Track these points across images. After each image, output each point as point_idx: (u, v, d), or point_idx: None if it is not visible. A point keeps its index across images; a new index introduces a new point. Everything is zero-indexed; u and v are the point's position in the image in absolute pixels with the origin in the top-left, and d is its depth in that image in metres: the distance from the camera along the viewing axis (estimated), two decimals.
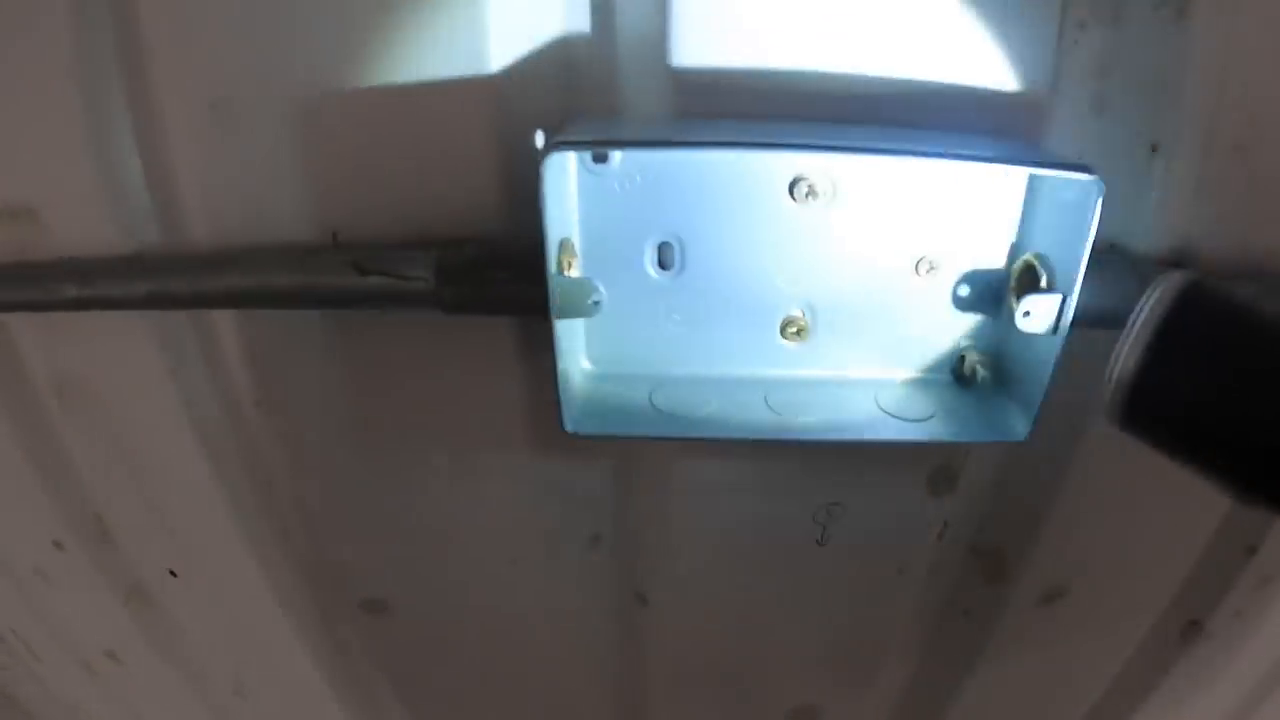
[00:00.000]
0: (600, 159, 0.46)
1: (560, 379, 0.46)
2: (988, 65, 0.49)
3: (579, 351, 0.51)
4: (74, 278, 0.56)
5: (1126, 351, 0.37)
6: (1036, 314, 0.46)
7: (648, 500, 0.63)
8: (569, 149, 0.41)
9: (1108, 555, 0.69)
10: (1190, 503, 0.70)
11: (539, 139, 0.46)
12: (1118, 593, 0.73)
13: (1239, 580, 0.75)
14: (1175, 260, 0.56)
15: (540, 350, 0.55)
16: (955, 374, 0.53)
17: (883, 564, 0.66)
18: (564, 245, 0.45)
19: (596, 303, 0.45)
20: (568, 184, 0.46)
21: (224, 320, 0.62)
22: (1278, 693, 0.92)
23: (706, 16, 0.46)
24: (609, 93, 0.48)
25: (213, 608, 0.81)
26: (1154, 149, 0.53)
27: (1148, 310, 0.37)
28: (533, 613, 0.72)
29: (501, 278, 0.46)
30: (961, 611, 0.72)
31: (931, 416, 0.51)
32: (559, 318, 0.44)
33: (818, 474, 0.60)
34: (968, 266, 0.50)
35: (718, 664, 0.75)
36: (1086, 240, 0.44)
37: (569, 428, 0.47)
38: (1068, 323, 0.46)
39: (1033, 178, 0.48)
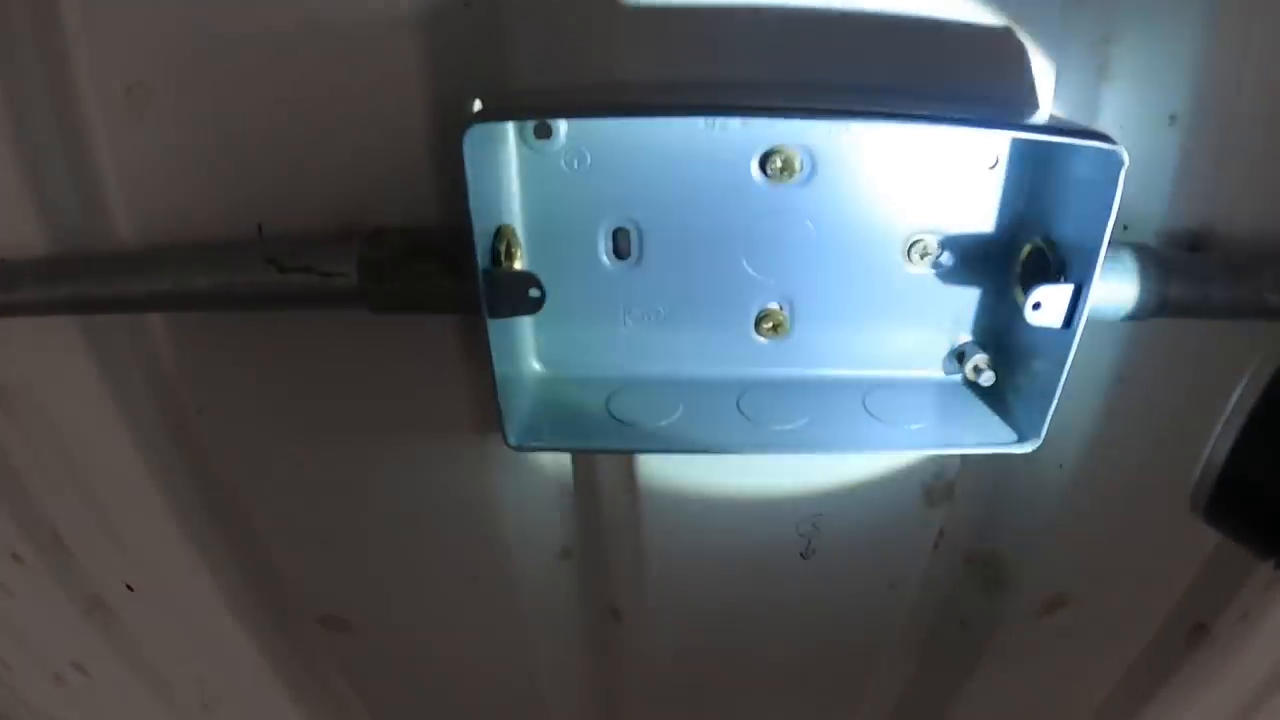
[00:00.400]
0: (543, 134, 0.37)
1: (501, 386, 0.37)
2: (987, 21, 0.41)
3: (526, 353, 0.43)
4: None
5: (1218, 436, 0.34)
6: (1048, 306, 0.39)
7: (615, 512, 0.55)
8: (499, 119, 0.33)
9: (1111, 561, 0.62)
10: None
11: (475, 106, 0.37)
12: (1122, 599, 0.66)
13: (1248, 581, 0.68)
14: (1193, 244, 0.48)
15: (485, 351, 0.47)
16: (952, 372, 0.45)
17: (873, 577, 0.58)
18: (503, 233, 0.37)
19: (536, 298, 0.37)
20: (507, 163, 0.38)
21: (157, 324, 0.54)
22: (1277, 697, 0.86)
23: None
24: (551, 43, 0.39)
25: (172, 620, 0.75)
26: (1172, 119, 0.45)
27: (1241, 393, 0.34)
28: (500, 629, 0.64)
29: (429, 271, 0.38)
30: (958, 621, 0.64)
31: (927, 422, 0.43)
32: (492, 316, 0.35)
33: (800, 484, 0.52)
34: (967, 251, 0.42)
35: (696, 682, 0.67)
36: (1107, 223, 0.36)
37: (511, 441, 0.39)
38: (1083, 316, 0.38)
39: (1042, 148, 0.39)
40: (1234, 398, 0.33)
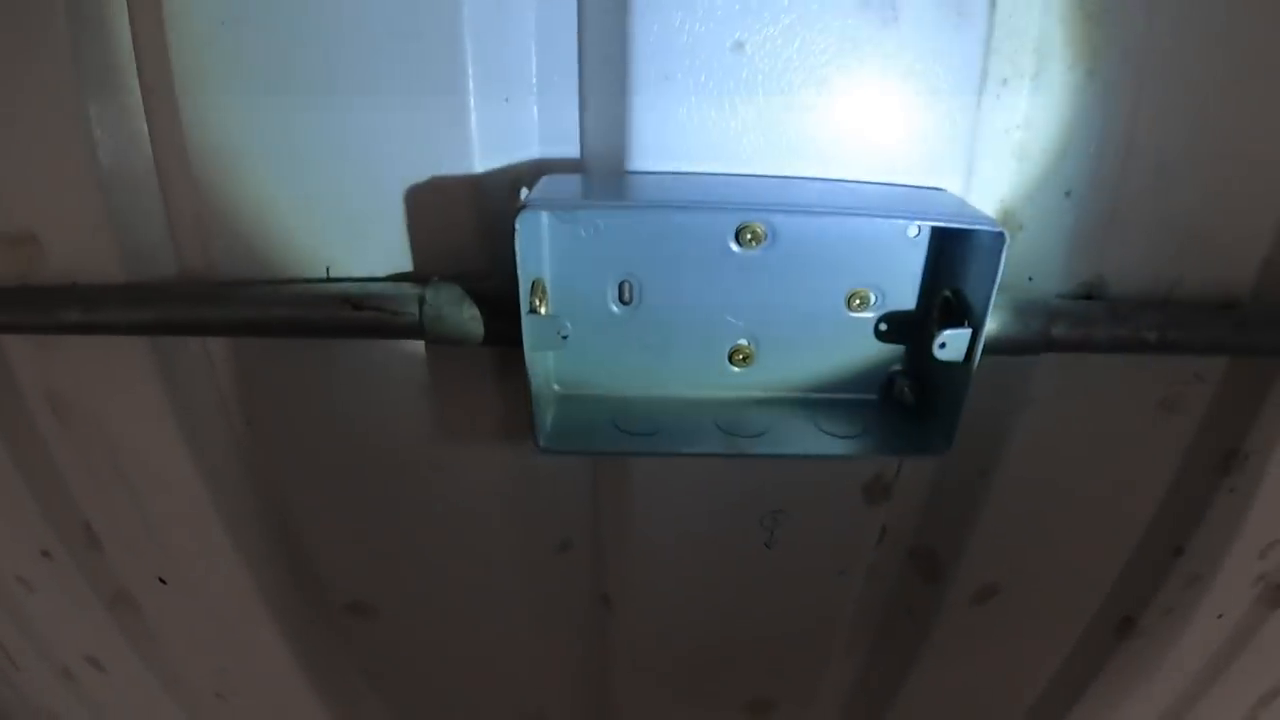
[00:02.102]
0: (567, 213, 0.55)
1: (534, 403, 0.55)
2: (915, 119, 0.58)
3: (549, 376, 0.60)
4: (78, 303, 0.63)
5: None
6: (951, 345, 0.56)
7: (614, 510, 0.73)
8: (540, 209, 0.51)
9: (1038, 555, 0.79)
10: (1117, 506, 0.80)
11: (522, 195, 0.56)
12: (1050, 591, 0.84)
13: (1168, 579, 0.86)
14: (1088, 293, 0.67)
15: (514, 372, 0.65)
16: (884, 395, 0.63)
17: (825, 566, 0.76)
18: (536, 285, 0.55)
19: (565, 337, 0.55)
20: (541, 231, 0.55)
21: (216, 342, 0.70)
22: (1212, 691, 1.04)
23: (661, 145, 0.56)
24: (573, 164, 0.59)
25: (199, 613, 0.89)
26: (1067, 194, 0.62)
27: None
28: (507, 614, 0.81)
29: (477, 314, 0.56)
30: (904, 609, 0.82)
31: (863, 434, 0.61)
32: (530, 351, 0.53)
33: (764, 484, 0.70)
34: (893, 301, 0.60)
35: (678, 660, 0.84)
36: (994, 282, 0.53)
37: (541, 445, 0.56)
38: (978, 353, 0.56)
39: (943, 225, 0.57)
40: None
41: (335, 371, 0.68)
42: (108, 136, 0.61)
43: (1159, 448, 0.77)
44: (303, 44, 0.56)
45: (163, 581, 0.88)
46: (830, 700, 0.92)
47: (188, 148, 0.61)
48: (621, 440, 0.59)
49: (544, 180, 0.54)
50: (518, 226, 0.49)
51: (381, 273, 0.62)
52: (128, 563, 0.88)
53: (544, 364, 0.59)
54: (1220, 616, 0.92)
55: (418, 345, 0.65)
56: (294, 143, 0.59)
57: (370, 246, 0.62)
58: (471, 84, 0.56)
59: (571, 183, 0.56)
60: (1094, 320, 0.64)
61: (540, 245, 0.55)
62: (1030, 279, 0.65)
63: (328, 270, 0.63)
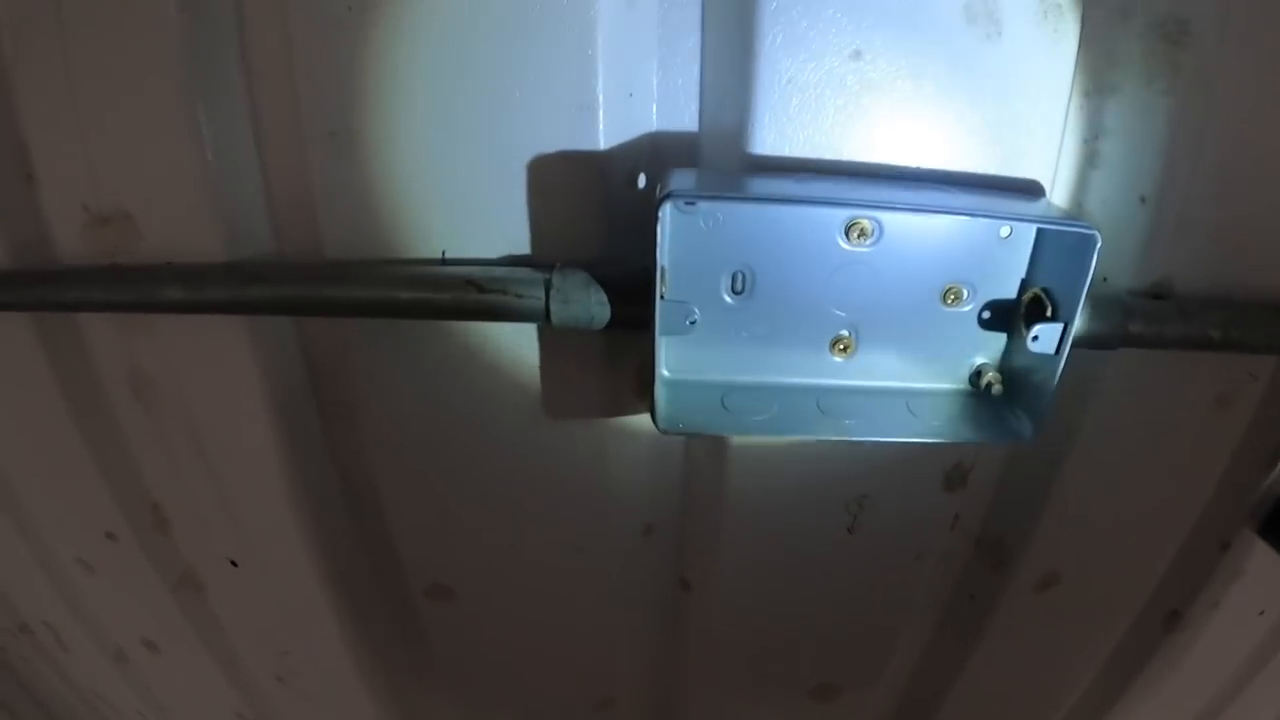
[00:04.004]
0: (690, 202, 0.60)
1: (656, 386, 0.61)
2: (1007, 125, 0.64)
3: (662, 361, 0.66)
4: (179, 281, 0.66)
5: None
6: (1043, 339, 0.62)
7: (703, 495, 0.78)
8: (679, 199, 0.56)
9: (1097, 545, 0.85)
10: (1170, 499, 0.86)
11: (641, 180, 0.61)
12: (1105, 581, 0.89)
13: (1214, 573, 0.92)
14: (1157, 293, 0.73)
15: (617, 358, 0.70)
16: (974, 386, 0.69)
17: (903, 550, 0.81)
18: (661, 273, 0.60)
19: (693, 322, 0.61)
20: (664, 220, 0.60)
21: (309, 321, 0.74)
22: (1251, 687, 1.10)
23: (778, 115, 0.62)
24: (690, 160, 0.64)
25: (267, 596, 0.93)
26: (1142, 200, 0.68)
27: None
28: (585, 596, 0.86)
29: (603, 299, 0.61)
30: (968, 595, 0.88)
31: (953, 421, 0.67)
32: (662, 334, 0.59)
33: (851, 470, 0.76)
34: (987, 297, 0.66)
35: (750, 644, 0.89)
36: (1085, 280, 0.59)
37: (661, 427, 0.61)
38: (1068, 346, 0.62)
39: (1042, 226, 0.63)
40: None
41: (434, 354, 0.72)
42: (210, 113, 0.65)
43: (1212, 442, 0.82)
44: (431, 31, 0.61)
45: (234, 564, 0.92)
46: (890, 686, 0.97)
47: (303, 130, 0.65)
48: (731, 422, 0.64)
49: (672, 172, 0.59)
50: (660, 216, 0.54)
51: (492, 256, 0.67)
52: (198, 544, 0.92)
53: (660, 349, 0.64)
54: (1262, 613, 0.98)
55: (518, 328, 0.70)
56: (417, 126, 0.64)
57: (484, 230, 0.66)
58: (600, 81, 0.61)
59: (693, 177, 0.61)
60: (1164, 318, 0.69)
61: (663, 234, 0.60)
62: (1105, 279, 0.70)
63: (443, 253, 0.68)
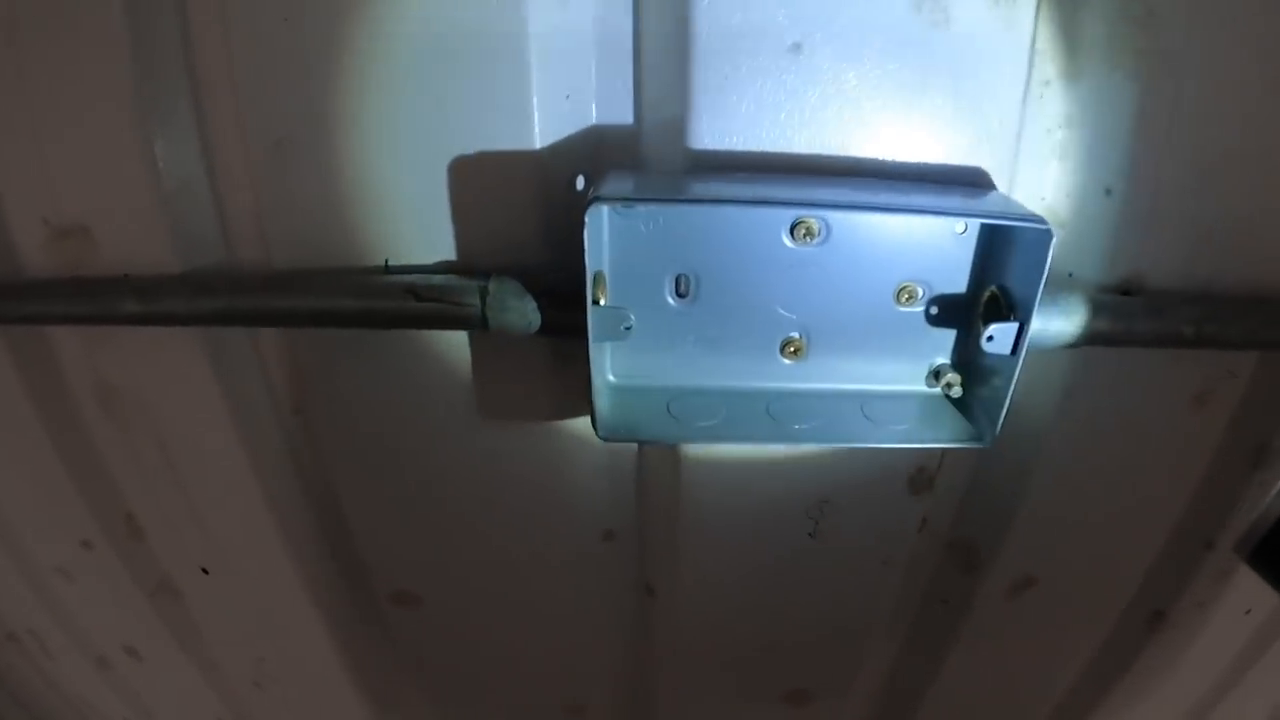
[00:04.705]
0: (627, 205, 0.58)
1: (595, 393, 0.58)
2: (963, 117, 0.61)
3: (605, 367, 0.63)
4: (134, 294, 0.65)
5: (1271, 500, 0.47)
6: (999, 339, 0.59)
7: (660, 500, 0.76)
8: (608, 203, 0.53)
9: (1074, 548, 0.82)
10: (1150, 499, 0.83)
11: (579, 182, 0.59)
12: (1085, 583, 0.87)
13: (1199, 573, 0.89)
14: (1126, 288, 0.70)
15: (566, 362, 0.68)
16: (931, 387, 0.66)
17: (869, 555, 0.79)
18: (597, 278, 0.58)
19: (628, 328, 0.58)
20: (603, 225, 0.58)
21: (267, 331, 0.73)
22: (1238, 687, 1.07)
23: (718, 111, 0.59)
24: (631, 160, 0.61)
25: (241, 603, 0.93)
26: (1108, 192, 0.65)
27: None
28: (548, 602, 0.84)
29: (540, 306, 0.59)
30: (939, 600, 0.85)
31: (910, 424, 0.64)
32: (596, 341, 0.56)
33: (811, 474, 0.73)
34: (943, 295, 0.63)
35: (719, 650, 0.87)
36: (1041, 278, 0.56)
37: (601, 435, 0.59)
38: (1025, 347, 0.59)
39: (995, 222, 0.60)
40: None
41: (386, 360, 0.71)
42: (160, 128, 0.64)
43: (1192, 441, 0.79)
44: (366, 40, 0.59)
45: (205, 571, 0.91)
46: (865, 692, 0.95)
47: (246, 140, 0.64)
48: (677, 429, 0.62)
49: (609, 175, 0.57)
50: (587, 220, 0.52)
51: (435, 263, 0.65)
52: (171, 553, 0.91)
53: (601, 353, 0.61)
54: (1248, 612, 0.95)
55: (469, 335, 0.68)
56: (357, 135, 0.62)
57: (426, 238, 0.65)
58: (534, 84, 0.59)
59: (630, 179, 0.59)
60: (1134, 315, 0.66)
61: (601, 238, 0.58)
62: (1070, 274, 0.67)
63: (386, 262, 0.66)
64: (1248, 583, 0.91)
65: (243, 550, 0.86)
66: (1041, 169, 0.65)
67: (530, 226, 0.63)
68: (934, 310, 0.64)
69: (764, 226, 0.59)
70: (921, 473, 0.74)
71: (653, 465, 0.74)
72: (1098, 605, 0.91)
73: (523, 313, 0.59)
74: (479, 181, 0.62)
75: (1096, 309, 0.65)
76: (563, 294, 0.59)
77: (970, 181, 0.63)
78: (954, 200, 0.59)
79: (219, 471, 0.80)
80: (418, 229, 0.65)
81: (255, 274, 0.68)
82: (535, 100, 0.59)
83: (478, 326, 0.61)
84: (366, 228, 0.65)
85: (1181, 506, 0.84)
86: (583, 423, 0.71)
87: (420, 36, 0.59)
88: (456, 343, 0.69)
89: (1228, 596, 0.93)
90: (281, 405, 0.77)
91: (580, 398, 0.69)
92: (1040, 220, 0.56)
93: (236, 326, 0.71)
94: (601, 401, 0.60)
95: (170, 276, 0.67)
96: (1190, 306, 0.68)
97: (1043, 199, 0.66)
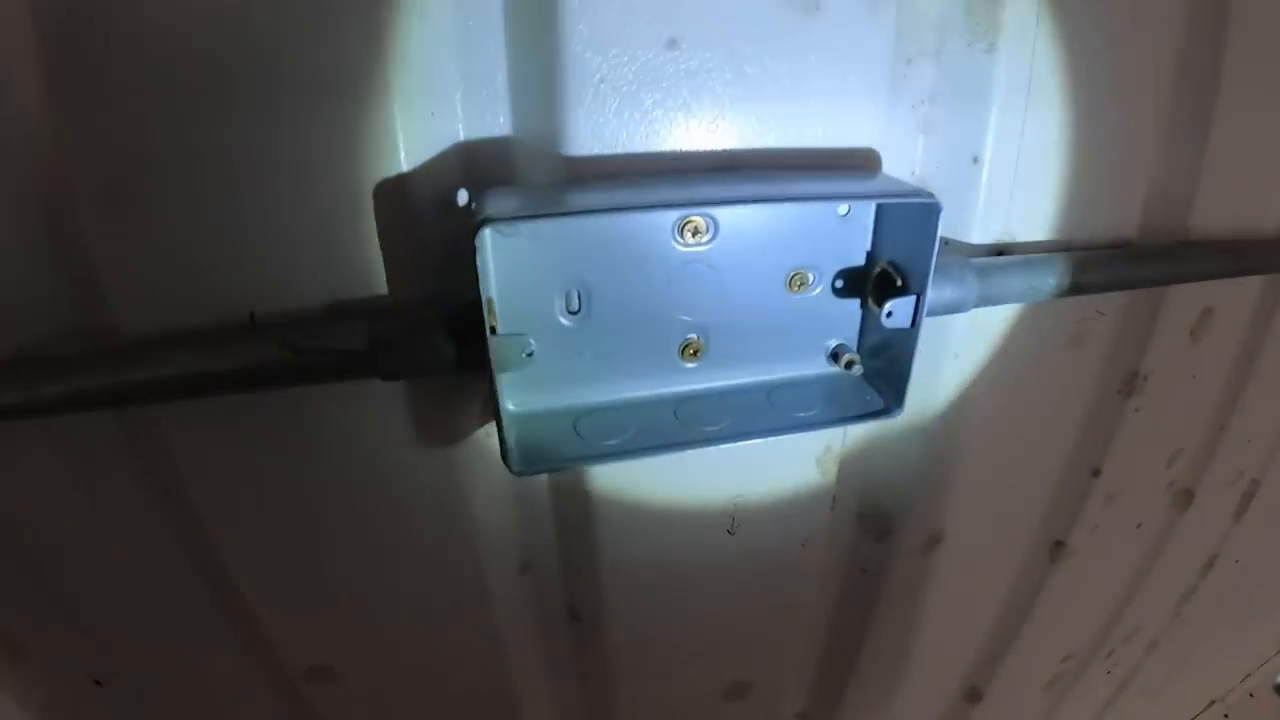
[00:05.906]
0: (510, 225, 0.54)
1: (503, 428, 0.55)
2: (836, 100, 0.61)
3: (505, 397, 0.60)
4: None
5: None
6: (898, 314, 0.59)
7: (575, 523, 0.73)
8: (498, 224, 0.49)
9: (976, 498, 0.85)
10: (1040, 440, 0.87)
11: (462, 197, 0.55)
12: (990, 528, 0.90)
13: (1090, 498, 0.94)
14: (999, 250, 0.71)
15: (463, 394, 0.64)
16: (832, 368, 0.66)
17: (787, 539, 0.79)
18: (489, 304, 0.54)
19: (530, 354, 0.55)
20: (484, 246, 0.54)
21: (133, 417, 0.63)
22: (1139, 596, 1.14)
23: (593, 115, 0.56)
24: (507, 172, 0.58)
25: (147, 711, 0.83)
26: (975, 160, 0.67)
27: None
28: (472, 644, 0.80)
29: (435, 341, 0.55)
30: (859, 569, 0.86)
31: (817, 408, 0.64)
32: (500, 371, 0.53)
33: (722, 471, 0.72)
34: (835, 277, 0.63)
35: (653, 656, 0.85)
36: (932, 250, 0.57)
37: (516, 469, 0.55)
38: (922, 317, 0.59)
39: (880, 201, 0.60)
40: None
41: (261, 424, 0.64)
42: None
43: (1071, 380, 0.83)
44: (211, 58, 0.52)
45: (98, 683, 0.81)
46: (800, 673, 0.95)
47: (76, 196, 0.55)
48: (588, 450, 0.59)
49: (487, 194, 0.54)
50: (476, 244, 0.48)
51: (307, 308, 0.59)
52: (59, 668, 0.80)
53: (502, 386, 0.58)
54: (1139, 526, 1.01)
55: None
56: (197, 176, 0.55)
57: (294, 281, 0.58)
58: (394, 100, 0.54)
59: (509, 197, 0.55)
60: (1011, 273, 0.68)
61: (484, 260, 0.54)
62: (946, 241, 0.68)
63: (251, 314, 0.59)
64: (1135, 500, 0.96)
65: (139, 656, 0.78)
66: (911, 143, 0.66)
67: (414, 252, 0.58)
68: (827, 293, 0.64)
69: (652, 230, 0.57)
70: (828, 451, 0.74)
71: (563, 488, 0.71)
72: (1004, 546, 0.94)
73: (416, 351, 0.55)
74: (347, 210, 0.57)
75: (979, 272, 0.66)
76: (455, 325, 0.55)
77: (858, 163, 0.62)
78: (839, 184, 0.59)
79: (98, 562, 0.71)
80: (284, 272, 0.58)
81: (108, 347, 0.58)
82: (397, 116, 0.55)
83: (365, 372, 0.56)
84: (224, 277, 0.58)
85: (1069, 441, 0.88)
86: (486, 454, 0.68)
87: (272, 58, 0.52)
88: (336, 392, 0.63)
89: (1118, 516, 0.98)
90: (152, 488, 0.68)
91: (478, 429, 0.66)
92: (928, 195, 0.56)
93: (85, 412, 0.63)
94: (510, 436, 0.57)
95: (13, 360, 0.58)
96: (1060, 260, 0.70)
97: (914, 172, 0.67)
